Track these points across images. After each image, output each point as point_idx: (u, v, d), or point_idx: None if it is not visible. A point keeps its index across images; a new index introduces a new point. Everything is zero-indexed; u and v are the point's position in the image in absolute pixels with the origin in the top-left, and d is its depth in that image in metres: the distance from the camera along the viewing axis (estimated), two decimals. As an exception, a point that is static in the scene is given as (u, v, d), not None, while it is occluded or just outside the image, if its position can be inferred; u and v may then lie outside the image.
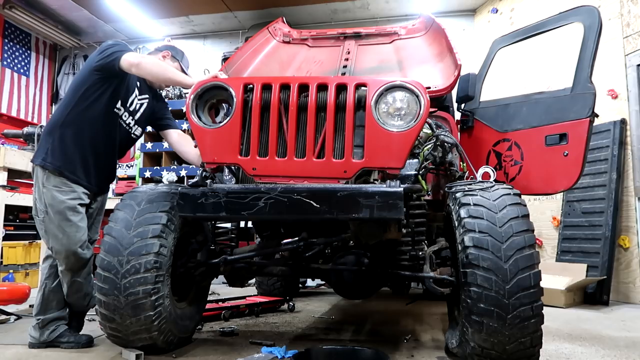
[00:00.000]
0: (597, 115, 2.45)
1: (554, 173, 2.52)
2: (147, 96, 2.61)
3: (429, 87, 2.40)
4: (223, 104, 2.24)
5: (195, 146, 2.38)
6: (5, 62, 6.78)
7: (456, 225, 1.93)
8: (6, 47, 6.79)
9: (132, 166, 6.15)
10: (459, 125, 3.06)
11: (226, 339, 2.57)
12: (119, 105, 2.45)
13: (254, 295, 3.96)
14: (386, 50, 3.31)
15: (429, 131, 2.42)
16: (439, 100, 2.79)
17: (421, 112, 1.93)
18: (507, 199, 1.90)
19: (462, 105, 3.06)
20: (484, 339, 1.79)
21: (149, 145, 5.69)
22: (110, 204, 2.61)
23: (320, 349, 2.15)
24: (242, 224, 2.80)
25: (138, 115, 2.58)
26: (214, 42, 7.33)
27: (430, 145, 2.38)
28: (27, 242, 5.14)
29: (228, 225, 2.63)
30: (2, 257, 4.73)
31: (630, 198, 4.22)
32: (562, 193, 4.49)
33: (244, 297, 3.70)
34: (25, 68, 7.17)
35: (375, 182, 2.03)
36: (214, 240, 2.50)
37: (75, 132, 2.37)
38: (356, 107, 2.00)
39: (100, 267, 2.04)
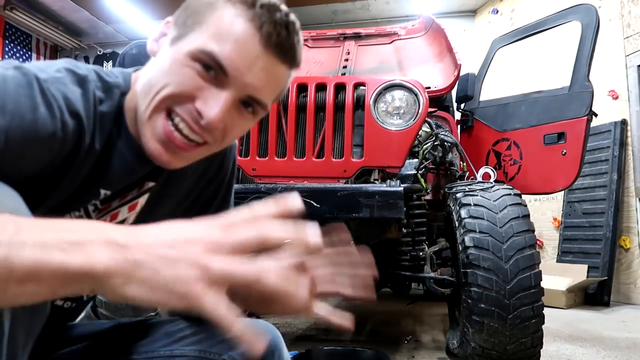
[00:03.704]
0: (595, 114, 2.44)
1: (552, 172, 2.52)
2: None
3: (429, 87, 2.39)
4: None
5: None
6: (5, 64, 6.79)
7: (457, 225, 1.92)
8: (7, 48, 6.80)
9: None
10: (458, 125, 3.06)
11: (226, 339, 2.56)
12: None
13: (254, 296, 3.95)
14: (386, 51, 3.30)
15: (429, 130, 2.42)
16: (438, 100, 2.78)
17: (420, 110, 1.93)
18: (508, 199, 1.90)
19: (462, 105, 3.06)
20: (484, 339, 1.78)
21: (149, 146, 5.68)
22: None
23: (320, 349, 2.14)
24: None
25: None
26: (214, 43, 7.33)
27: (429, 144, 2.37)
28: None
29: (228, 225, 2.62)
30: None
31: (630, 199, 4.21)
32: (562, 194, 4.48)
33: (244, 298, 3.69)
34: (25, 69, 7.18)
35: (376, 181, 2.02)
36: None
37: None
38: (355, 107, 2.00)
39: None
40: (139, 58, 2.46)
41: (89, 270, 0.40)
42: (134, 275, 0.41)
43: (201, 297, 0.41)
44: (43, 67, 0.61)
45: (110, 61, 7.33)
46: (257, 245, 0.44)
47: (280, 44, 0.64)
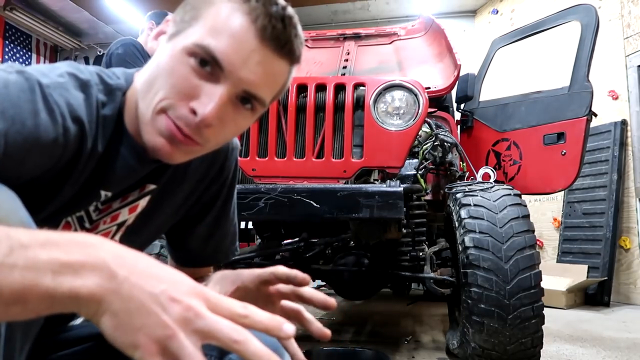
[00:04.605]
0: (595, 114, 2.44)
1: (552, 172, 2.52)
2: None
3: (429, 87, 2.40)
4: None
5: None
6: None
7: (456, 225, 1.92)
8: (7, 49, 6.80)
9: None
10: (458, 125, 3.06)
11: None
12: None
13: (254, 297, 3.95)
14: (386, 51, 3.30)
15: (429, 130, 2.42)
16: (438, 101, 2.78)
17: (420, 110, 1.93)
18: (508, 200, 1.90)
19: (462, 105, 3.06)
20: (484, 339, 1.78)
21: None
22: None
23: (320, 349, 2.14)
24: (243, 224, 2.80)
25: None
26: (214, 43, 7.33)
27: (429, 144, 2.38)
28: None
29: (228, 226, 2.62)
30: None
31: (630, 199, 4.21)
32: (562, 194, 4.48)
33: (244, 299, 3.68)
34: (25, 70, 7.18)
35: (375, 182, 2.02)
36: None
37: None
38: (355, 107, 2.00)
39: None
40: (125, 57, 2.46)
41: (74, 296, 0.40)
42: (114, 307, 0.40)
43: (182, 341, 0.40)
44: (45, 72, 0.60)
45: (110, 61, 7.32)
46: (239, 318, 0.43)
47: (276, 37, 0.63)
